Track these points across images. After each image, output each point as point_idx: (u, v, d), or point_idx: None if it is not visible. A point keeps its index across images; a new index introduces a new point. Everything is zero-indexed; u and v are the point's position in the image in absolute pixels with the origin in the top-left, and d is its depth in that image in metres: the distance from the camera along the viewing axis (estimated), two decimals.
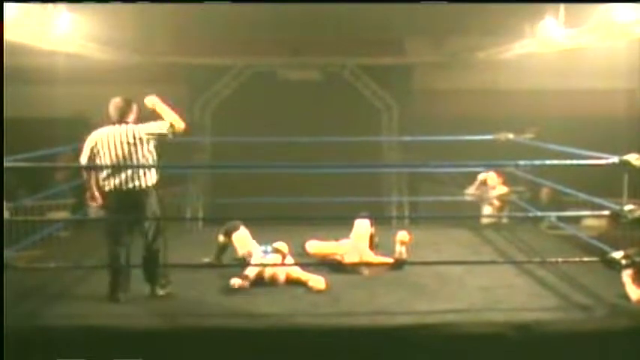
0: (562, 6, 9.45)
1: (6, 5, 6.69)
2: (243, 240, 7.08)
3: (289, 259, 6.77)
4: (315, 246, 7.43)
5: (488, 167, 9.39)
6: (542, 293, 6.24)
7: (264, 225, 7.44)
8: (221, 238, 7.13)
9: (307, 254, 7.39)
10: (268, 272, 6.48)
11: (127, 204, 6.08)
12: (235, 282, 6.29)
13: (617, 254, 5.83)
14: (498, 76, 13.20)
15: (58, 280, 6.45)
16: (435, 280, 6.55)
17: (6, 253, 6.16)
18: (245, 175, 10.47)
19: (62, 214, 10.23)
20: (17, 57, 8.67)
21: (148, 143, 6.10)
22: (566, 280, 6.48)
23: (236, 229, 7.09)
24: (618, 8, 8.05)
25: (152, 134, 6.11)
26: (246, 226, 7.14)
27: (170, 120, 6.18)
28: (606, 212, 6.29)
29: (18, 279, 6.07)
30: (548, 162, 6.52)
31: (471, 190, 9.93)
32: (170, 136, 6.18)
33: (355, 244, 7.26)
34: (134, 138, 6.08)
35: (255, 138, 10.84)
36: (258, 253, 6.86)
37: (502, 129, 9.46)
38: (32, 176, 9.88)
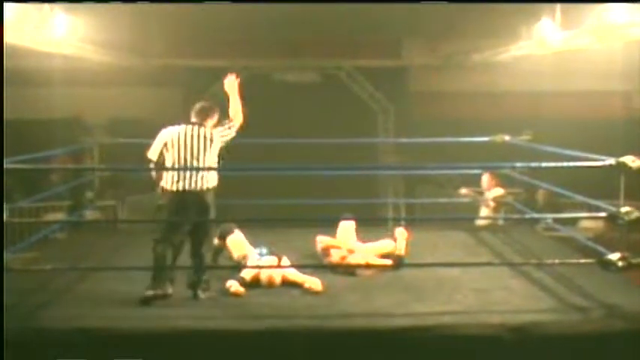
0: (558, 7, 9.46)
1: (5, 6, 6.68)
2: (237, 243, 7.04)
3: (285, 261, 6.75)
4: (326, 241, 7.40)
5: (485, 169, 9.39)
6: (539, 295, 6.23)
7: (260, 227, 7.40)
8: (216, 241, 7.10)
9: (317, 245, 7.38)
10: (265, 275, 6.47)
11: (189, 204, 6.07)
12: (232, 284, 6.28)
13: (614, 256, 5.84)
14: (495, 78, 13.20)
15: (55, 282, 6.44)
16: (431, 282, 6.54)
17: (5, 255, 6.14)
18: (241, 177, 10.45)
19: (59, 216, 10.21)
20: (14, 59, 8.66)
21: (217, 146, 6.19)
22: (563, 282, 6.48)
23: (230, 232, 7.06)
24: (615, 10, 8.06)
25: (224, 138, 6.26)
26: (243, 227, 7.13)
27: (234, 113, 6.36)
28: (603, 214, 6.30)
29: (15, 281, 6.06)
30: (544, 164, 6.52)
31: (465, 190, 9.94)
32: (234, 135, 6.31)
33: (365, 247, 7.27)
34: (210, 140, 6.15)
35: (251, 140, 10.80)
36: (254, 256, 6.84)
37: (498, 131, 9.46)
38: (28, 178, 9.86)
